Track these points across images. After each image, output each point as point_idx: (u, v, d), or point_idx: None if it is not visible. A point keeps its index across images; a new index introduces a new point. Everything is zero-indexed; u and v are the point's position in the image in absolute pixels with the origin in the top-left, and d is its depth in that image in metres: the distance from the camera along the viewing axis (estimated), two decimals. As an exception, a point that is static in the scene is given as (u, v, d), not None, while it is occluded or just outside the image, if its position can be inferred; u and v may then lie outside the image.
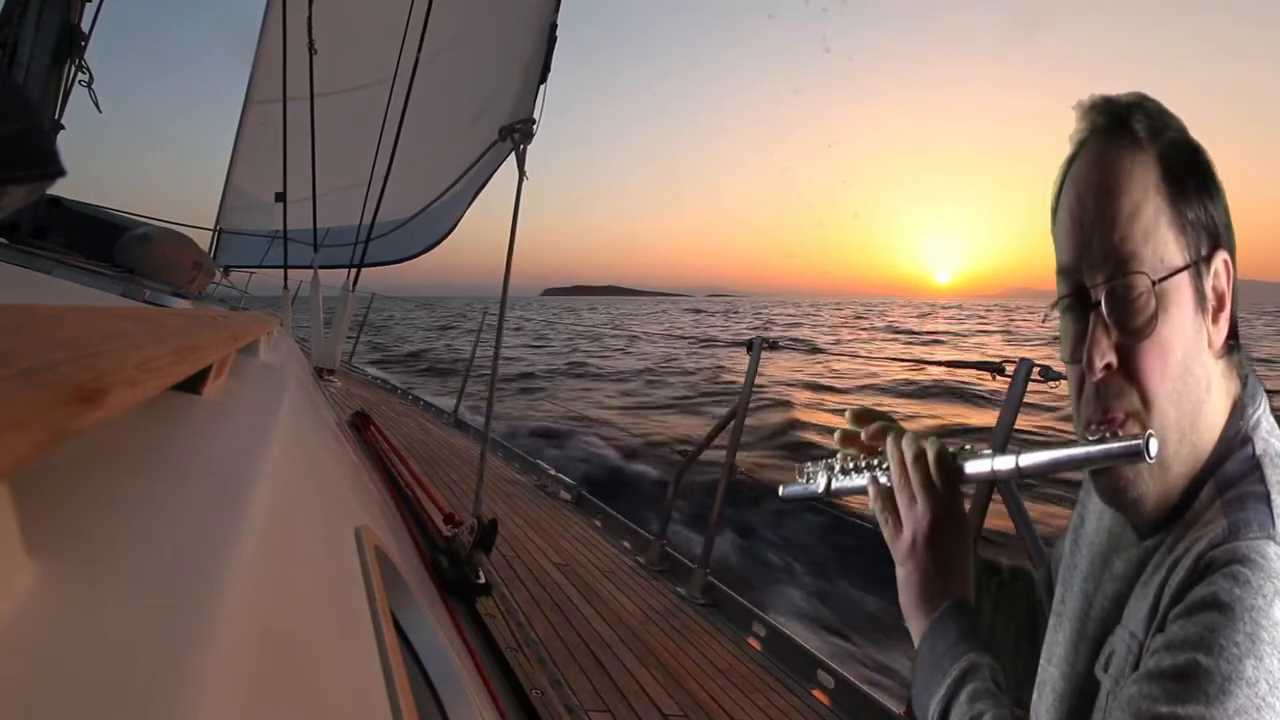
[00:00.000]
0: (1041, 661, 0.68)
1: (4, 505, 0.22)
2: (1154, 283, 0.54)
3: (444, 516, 2.23)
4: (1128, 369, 0.55)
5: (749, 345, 3.33)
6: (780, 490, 0.79)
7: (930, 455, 0.66)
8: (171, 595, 0.27)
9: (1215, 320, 0.57)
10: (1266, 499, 0.52)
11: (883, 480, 0.70)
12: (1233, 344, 0.59)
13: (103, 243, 2.41)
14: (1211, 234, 0.57)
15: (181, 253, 2.27)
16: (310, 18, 3.29)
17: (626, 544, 3.67)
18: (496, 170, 3.51)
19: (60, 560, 0.25)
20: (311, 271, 3.61)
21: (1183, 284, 0.55)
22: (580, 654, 2.40)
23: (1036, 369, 2.07)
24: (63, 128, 2.94)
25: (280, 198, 3.58)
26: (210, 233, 5.43)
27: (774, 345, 3.36)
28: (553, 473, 4.80)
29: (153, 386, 0.29)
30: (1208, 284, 0.56)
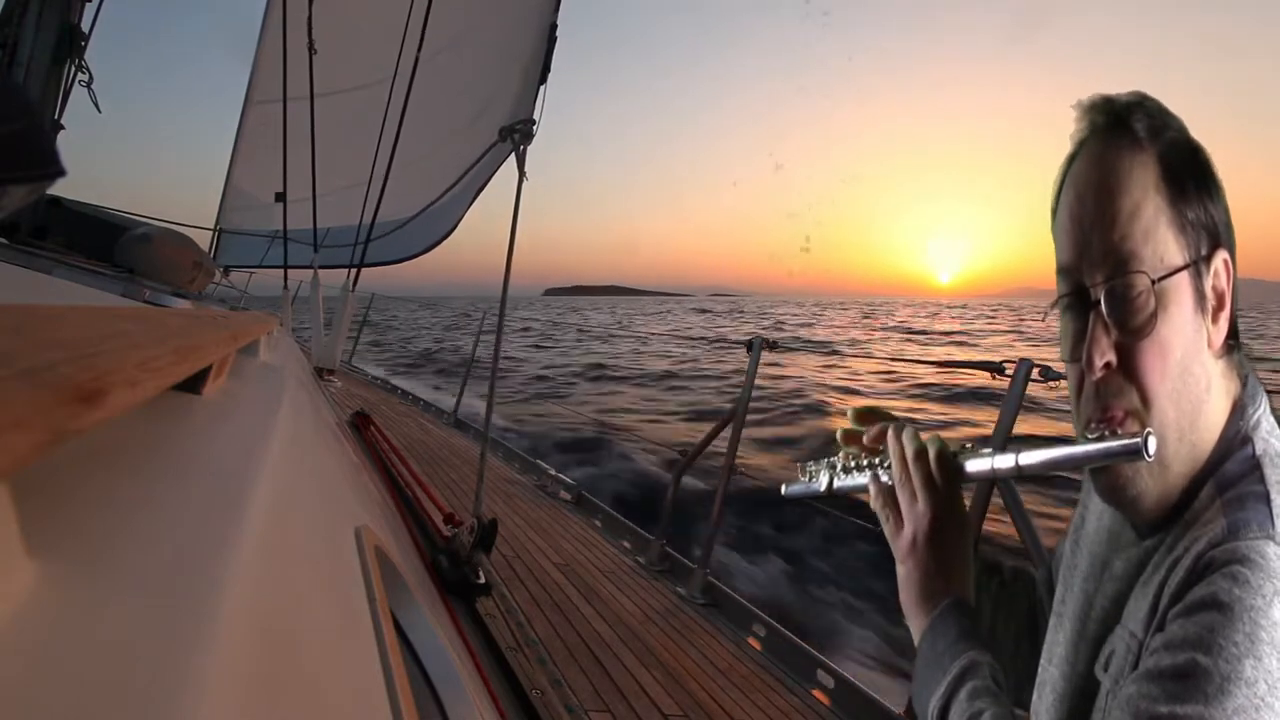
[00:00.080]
0: (1042, 661, 0.68)
1: (4, 505, 0.22)
2: (1154, 282, 0.54)
3: (444, 516, 2.23)
4: (1127, 368, 0.55)
5: (749, 345, 3.33)
6: (783, 489, 0.80)
7: (931, 453, 0.67)
8: (171, 595, 0.27)
9: (1215, 320, 0.57)
10: (1266, 499, 0.52)
11: (884, 478, 0.70)
12: (1233, 344, 0.59)
13: (103, 243, 2.41)
14: (1211, 233, 0.57)
15: (181, 253, 2.27)
16: (310, 18, 3.29)
17: (626, 544, 3.67)
18: (496, 170, 3.51)
19: (60, 560, 0.25)
20: (311, 271, 3.61)
21: (1182, 283, 0.55)
22: (580, 654, 2.40)
23: (1036, 369, 2.07)
24: (63, 128, 2.94)
25: (280, 198, 3.58)
26: (210, 233, 5.43)
27: (774, 345, 3.37)
28: (553, 473, 4.80)
29: (153, 386, 0.29)
30: (1207, 283, 0.56)
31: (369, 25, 4.01)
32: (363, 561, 0.63)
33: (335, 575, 0.54)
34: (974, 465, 0.65)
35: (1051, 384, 2.04)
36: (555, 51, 3.03)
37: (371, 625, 0.52)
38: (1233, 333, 0.58)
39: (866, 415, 0.75)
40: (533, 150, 2.72)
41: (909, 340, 29.88)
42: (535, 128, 2.77)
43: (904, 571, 0.67)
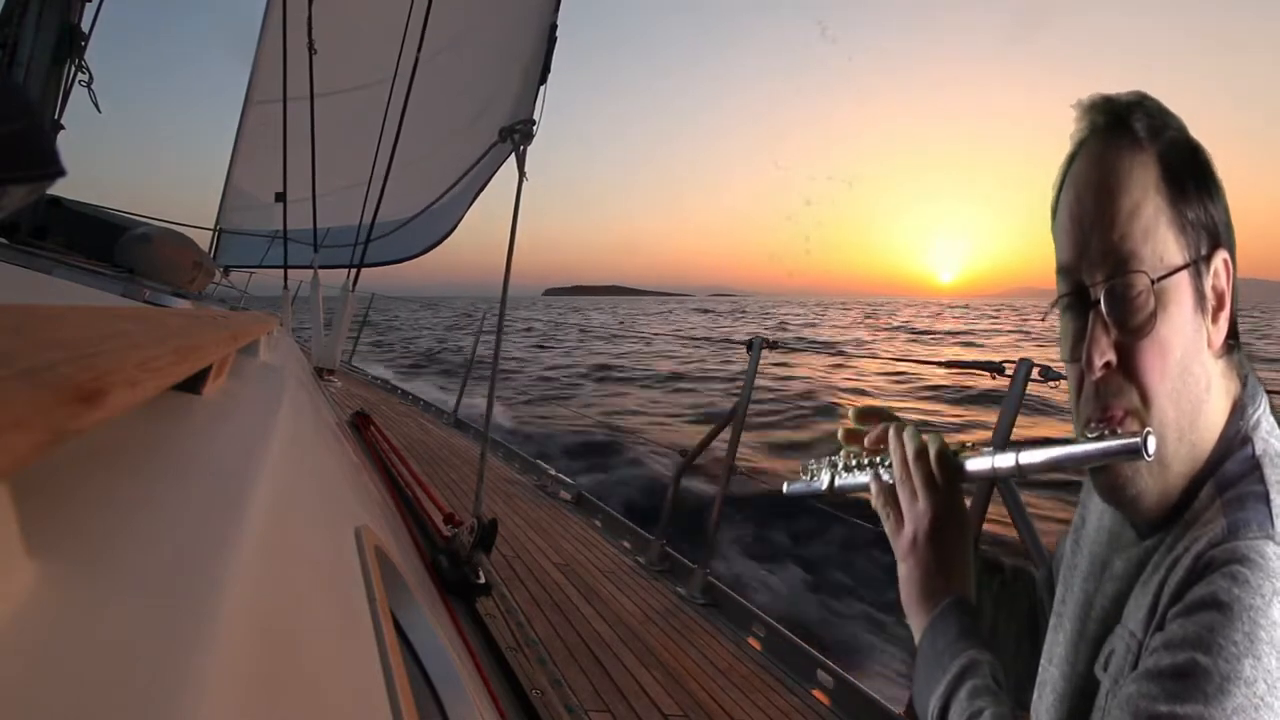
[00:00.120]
0: (1042, 661, 0.68)
1: (4, 505, 0.22)
2: (1153, 281, 0.54)
3: (444, 516, 2.23)
4: (1127, 367, 0.56)
5: (749, 345, 3.33)
6: (785, 487, 0.80)
7: (932, 452, 0.67)
8: (171, 595, 0.27)
9: (1215, 319, 0.57)
10: (1266, 499, 0.52)
11: (885, 477, 0.70)
12: (1233, 343, 0.59)
13: (103, 243, 2.41)
14: (1211, 233, 0.57)
15: (181, 253, 2.27)
16: (310, 18, 3.29)
17: (626, 544, 3.67)
18: (496, 171, 3.51)
19: (60, 560, 0.25)
20: (311, 271, 3.61)
21: (1182, 283, 0.55)
22: (580, 654, 2.40)
23: (1036, 369, 2.07)
24: (63, 128, 2.94)
25: (280, 198, 3.58)
26: (210, 233, 5.43)
27: (774, 345, 3.37)
28: (553, 473, 4.80)
29: (153, 386, 0.29)
30: (1207, 283, 0.56)
31: (369, 25, 4.01)
32: (363, 561, 0.63)
33: (335, 575, 0.54)
34: (974, 464, 0.66)
35: (1052, 384, 2.04)
36: (555, 51, 3.03)
37: (371, 625, 0.52)
38: (1233, 333, 0.58)
39: (868, 415, 0.75)
40: (533, 150, 2.72)
41: (914, 341, 29.64)
42: (535, 128, 2.77)
43: (905, 570, 0.68)
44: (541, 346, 24.49)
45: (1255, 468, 0.54)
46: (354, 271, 3.45)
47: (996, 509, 2.11)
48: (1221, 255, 0.57)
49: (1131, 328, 0.55)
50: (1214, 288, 0.57)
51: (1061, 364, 0.62)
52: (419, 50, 3.11)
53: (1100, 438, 0.55)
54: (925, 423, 0.78)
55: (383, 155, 3.21)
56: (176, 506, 0.36)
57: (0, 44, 2.72)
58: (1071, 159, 0.59)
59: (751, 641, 2.70)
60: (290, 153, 3.46)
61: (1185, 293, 0.55)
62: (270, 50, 4.71)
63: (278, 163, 3.54)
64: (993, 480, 1.97)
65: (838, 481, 0.74)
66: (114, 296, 1.35)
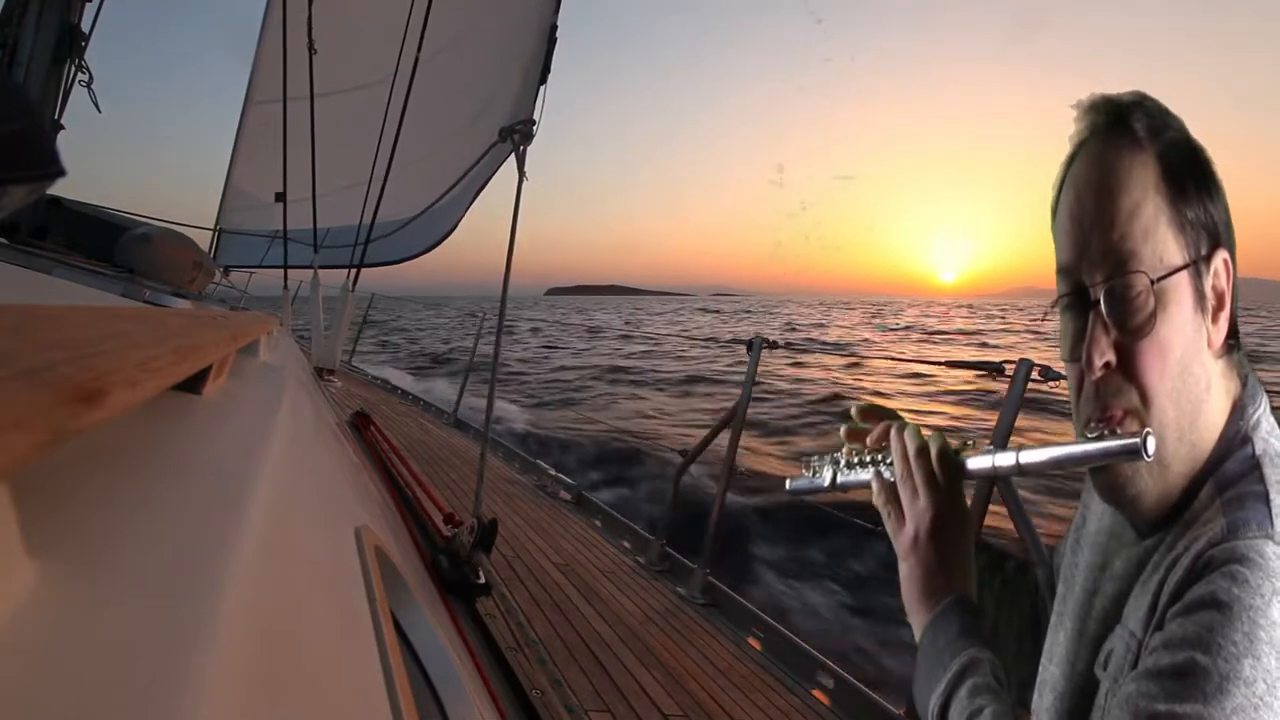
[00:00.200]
0: (1043, 661, 0.68)
1: (4, 505, 0.22)
2: (1153, 282, 0.54)
3: (444, 516, 2.23)
4: (1126, 367, 0.56)
5: (749, 345, 3.34)
6: (787, 484, 0.80)
7: (933, 450, 0.67)
8: (171, 595, 0.27)
9: (1215, 319, 0.57)
10: (1265, 499, 0.52)
11: (886, 475, 0.70)
12: (1233, 343, 0.59)
13: (103, 243, 2.41)
14: (1211, 233, 0.57)
15: (181, 253, 2.27)
16: (310, 18, 3.29)
17: (626, 544, 3.67)
18: (496, 171, 3.51)
19: (60, 560, 0.25)
20: (311, 271, 3.61)
21: (1182, 283, 0.55)
22: (580, 654, 2.40)
23: (1036, 369, 2.08)
24: (63, 128, 2.94)
25: (280, 198, 3.58)
26: (210, 233, 5.43)
27: (774, 345, 3.37)
28: (553, 473, 4.80)
29: (153, 386, 0.29)
30: (1207, 283, 0.56)
31: (369, 25, 4.01)
32: (363, 561, 0.63)
33: (335, 575, 0.54)
34: (975, 463, 0.66)
35: (1052, 384, 2.04)
36: (555, 52, 3.03)
37: (371, 625, 0.52)
38: (1233, 332, 0.58)
39: (870, 413, 0.75)
40: (533, 150, 2.72)
41: (925, 342, 29.19)
42: (535, 128, 2.77)
43: (906, 568, 0.68)
44: (551, 347, 24.20)
45: (1255, 467, 0.54)
46: (354, 271, 3.45)
47: (996, 509, 2.11)
48: (1221, 255, 0.57)
49: (1131, 328, 0.55)
50: (1214, 288, 0.57)
51: (1061, 364, 0.62)
52: (419, 50, 3.11)
53: (1100, 438, 0.55)
54: (959, 430, 0.78)
55: (383, 155, 3.21)
56: (176, 506, 0.36)
57: (0, 44, 2.72)
58: (1071, 159, 0.59)
59: (751, 641, 2.70)
60: (290, 153, 3.46)
61: (1185, 293, 0.55)
62: (270, 50, 4.71)
63: (278, 163, 3.54)
64: (993, 479, 1.97)
65: (840, 478, 0.74)
66: (114, 296, 1.35)
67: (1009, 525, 2.06)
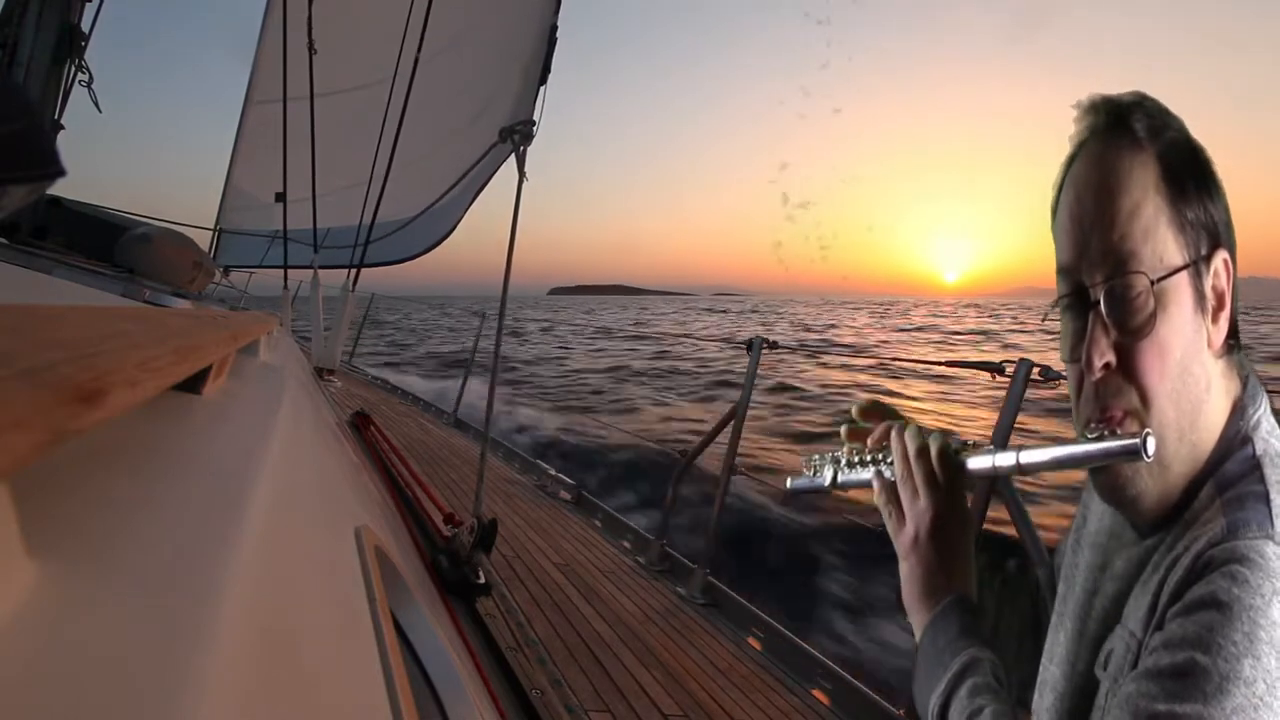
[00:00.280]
0: (1043, 661, 0.68)
1: (4, 505, 0.22)
2: (1153, 282, 0.54)
3: (444, 516, 2.23)
4: (1126, 368, 0.56)
5: (749, 345, 3.34)
6: (788, 483, 0.80)
7: (933, 450, 0.67)
8: (171, 595, 0.27)
9: (1215, 320, 0.57)
10: (1265, 499, 0.52)
11: (887, 474, 0.70)
12: (1233, 344, 0.59)
13: (103, 243, 2.40)
14: (1211, 233, 0.57)
15: (181, 253, 2.27)
16: (310, 18, 3.29)
17: (626, 544, 3.67)
18: (497, 171, 3.51)
19: (60, 560, 0.25)
20: (311, 271, 3.61)
21: (1182, 283, 0.55)
22: (580, 654, 2.40)
23: (1036, 369, 2.07)
24: (63, 128, 2.94)
25: (280, 198, 3.58)
26: (210, 233, 5.43)
27: (774, 345, 3.37)
28: (553, 473, 4.80)
29: (153, 386, 0.29)
30: (1207, 283, 0.56)
31: (369, 25, 4.01)
32: (363, 561, 0.63)
33: (335, 575, 0.54)
34: (975, 463, 0.66)
35: (1052, 383, 2.04)
36: (556, 52, 3.03)
37: (371, 625, 0.52)
38: (1233, 333, 0.58)
39: (871, 412, 0.75)
40: (533, 150, 2.72)
41: (942, 345, 28.41)
42: (535, 128, 2.77)
43: (906, 568, 0.68)
44: (566, 348, 23.79)
45: (1255, 468, 0.54)
46: (354, 272, 3.45)
47: (996, 509, 2.11)
48: (1221, 255, 0.57)
49: (1131, 328, 0.55)
50: (1214, 288, 0.57)
51: (1062, 364, 0.62)
52: (419, 50, 3.11)
53: (1100, 438, 0.55)
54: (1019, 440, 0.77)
55: (383, 155, 3.21)
56: (176, 506, 0.36)
57: (0, 44, 2.72)
58: (1072, 159, 0.59)
59: (751, 641, 2.70)
60: (290, 153, 3.46)
61: (1185, 293, 0.55)
62: (270, 50, 4.71)
63: (278, 163, 3.54)
64: (993, 480, 1.97)
65: (840, 478, 0.74)
66: (114, 296, 1.35)
67: (1010, 525, 2.06)
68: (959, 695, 0.59)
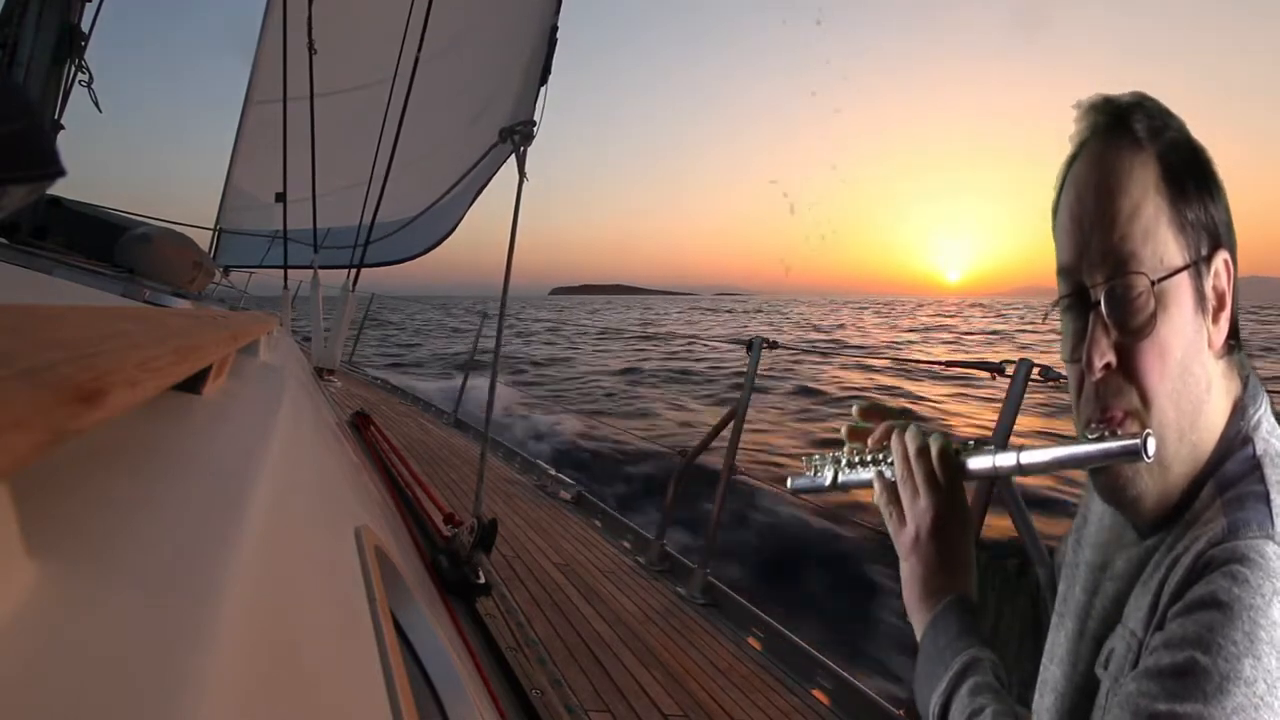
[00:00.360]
0: (1044, 661, 0.68)
1: (4, 505, 0.22)
2: (1153, 283, 0.54)
3: (444, 516, 2.23)
4: (1127, 368, 0.56)
5: (748, 345, 3.34)
6: (789, 482, 0.80)
7: (933, 450, 0.67)
8: (171, 595, 0.27)
9: (1215, 320, 0.57)
10: (1266, 499, 0.52)
11: (888, 474, 0.70)
12: (1233, 344, 0.59)
13: (103, 243, 2.41)
14: (1211, 234, 0.57)
15: (181, 253, 2.27)
16: (310, 18, 3.29)
17: (626, 544, 3.67)
18: (497, 171, 3.51)
19: (60, 560, 0.25)
20: (311, 271, 3.61)
21: (1182, 284, 0.55)
22: (580, 654, 2.40)
23: (1036, 369, 2.07)
24: (63, 128, 2.94)
25: (280, 198, 3.58)
26: (210, 233, 5.43)
27: (774, 345, 3.37)
28: (553, 473, 4.80)
29: (153, 386, 0.29)
30: (1208, 284, 0.56)
31: (369, 25, 4.01)
32: (363, 561, 0.63)
33: (335, 575, 0.54)
34: (976, 463, 0.66)
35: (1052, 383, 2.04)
36: (556, 52, 3.03)
37: (371, 625, 0.52)
38: (1234, 333, 0.58)
39: (872, 412, 0.75)
40: (534, 150, 2.72)
41: (957, 347, 27.81)
42: (536, 129, 2.77)
43: (907, 568, 0.68)
44: (574, 347, 23.72)
45: (1256, 468, 0.54)
46: (354, 272, 3.45)
47: (996, 509, 2.11)
48: (1222, 255, 0.57)
49: (1131, 329, 0.55)
50: (1214, 288, 0.57)
51: (1062, 364, 0.62)
52: (419, 50, 3.11)
53: (1100, 439, 0.55)
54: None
55: (383, 155, 3.21)
56: (176, 506, 0.36)
57: (0, 44, 2.72)
58: (1072, 160, 0.59)
59: (751, 641, 2.70)
60: (290, 153, 3.46)
61: (1185, 293, 0.55)
62: (270, 50, 4.71)
63: (278, 163, 3.54)
64: (993, 480, 1.97)
65: (841, 478, 0.74)
66: (114, 296, 1.35)
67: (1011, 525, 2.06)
68: (960, 695, 0.59)
